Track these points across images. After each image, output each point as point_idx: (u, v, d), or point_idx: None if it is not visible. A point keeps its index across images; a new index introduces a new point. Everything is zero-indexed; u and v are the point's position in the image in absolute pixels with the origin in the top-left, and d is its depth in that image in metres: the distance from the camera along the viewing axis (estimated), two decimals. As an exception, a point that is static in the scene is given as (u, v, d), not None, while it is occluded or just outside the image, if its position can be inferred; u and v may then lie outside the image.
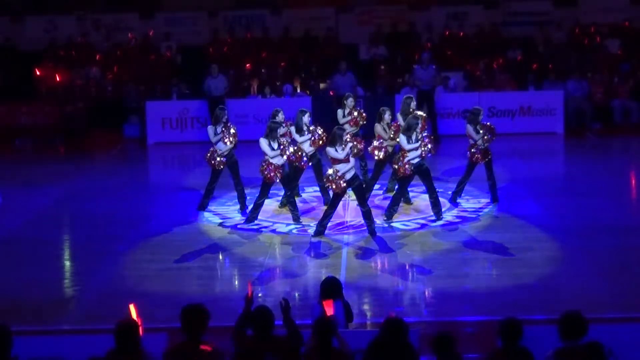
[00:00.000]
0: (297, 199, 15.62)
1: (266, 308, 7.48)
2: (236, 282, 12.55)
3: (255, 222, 14.94)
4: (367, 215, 14.10)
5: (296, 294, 11.71)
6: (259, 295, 11.56)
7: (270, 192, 15.10)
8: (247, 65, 26.01)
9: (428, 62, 22.91)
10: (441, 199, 15.19)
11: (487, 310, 10.85)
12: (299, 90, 24.36)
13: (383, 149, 15.63)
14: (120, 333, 7.09)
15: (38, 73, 25.73)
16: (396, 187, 15.32)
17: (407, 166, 14.46)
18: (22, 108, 24.71)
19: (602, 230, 14.26)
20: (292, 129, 15.35)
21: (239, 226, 14.96)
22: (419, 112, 16.02)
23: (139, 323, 7.25)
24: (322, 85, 24.59)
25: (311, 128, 15.30)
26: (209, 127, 15.57)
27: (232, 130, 15.32)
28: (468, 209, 15.63)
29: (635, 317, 10.39)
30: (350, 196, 15.19)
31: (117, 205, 16.80)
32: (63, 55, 26.64)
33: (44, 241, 14.58)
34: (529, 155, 21.22)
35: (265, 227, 14.84)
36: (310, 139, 15.26)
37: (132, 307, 7.65)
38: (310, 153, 15.46)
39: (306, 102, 22.79)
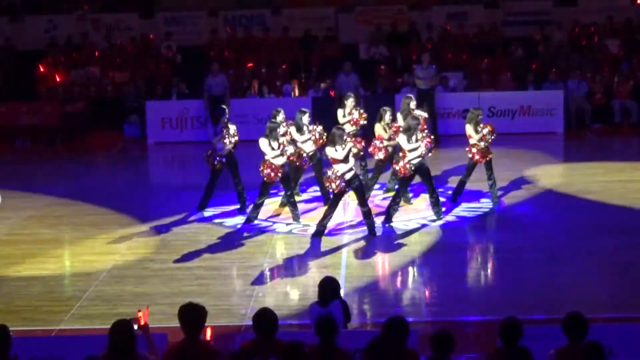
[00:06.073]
0: (297, 199, 15.62)
1: (269, 310, 7.44)
2: (236, 282, 12.53)
3: (255, 222, 14.94)
4: (367, 215, 14.10)
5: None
6: (259, 295, 11.56)
7: (271, 192, 15.10)
8: (247, 65, 26.01)
9: (428, 62, 22.89)
10: (441, 199, 15.19)
11: (487, 310, 10.85)
12: (297, 94, 24.38)
13: (383, 149, 15.64)
14: (114, 335, 7.03)
15: (42, 69, 25.71)
16: (396, 187, 15.32)
17: (407, 166, 14.46)
18: (22, 108, 24.69)
19: (602, 230, 14.25)
20: (292, 128, 15.36)
21: (239, 226, 14.96)
22: (419, 112, 16.06)
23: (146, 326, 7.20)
24: (322, 85, 24.57)
25: (311, 128, 15.31)
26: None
27: (232, 131, 15.36)
28: (468, 209, 15.63)
29: (635, 317, 10.38)
30: (350, 196, 15.20)
31: (117, 205, 16.79)
32: (63, 55, 26.62)
33: (44, 241, 14.57)
34: (529, 155, 21.20)
35: (265, 227, 14.85)
36: (310, 138, 15.28)
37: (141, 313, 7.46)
38: (311, 153, 15.47)
39: (306, 102, 22.78)
